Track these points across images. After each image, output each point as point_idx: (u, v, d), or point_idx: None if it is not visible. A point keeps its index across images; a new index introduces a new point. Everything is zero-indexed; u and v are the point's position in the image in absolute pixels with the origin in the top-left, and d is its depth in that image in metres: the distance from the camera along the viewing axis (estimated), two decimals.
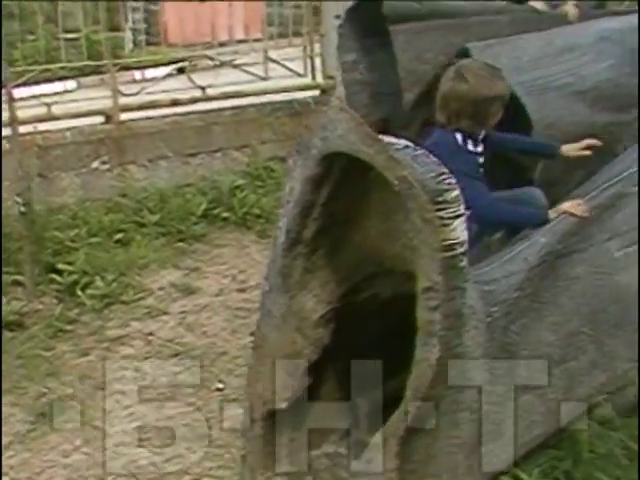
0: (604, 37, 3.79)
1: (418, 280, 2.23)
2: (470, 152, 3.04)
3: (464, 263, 2.21)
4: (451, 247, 2.16)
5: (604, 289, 2.81)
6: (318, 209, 2.52)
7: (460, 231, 2.17)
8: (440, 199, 2.15)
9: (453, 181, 2.19)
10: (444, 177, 2.18)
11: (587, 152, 3.16)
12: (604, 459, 2.78)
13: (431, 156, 2.25)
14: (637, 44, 3.69)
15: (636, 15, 3.97)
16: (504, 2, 4.75)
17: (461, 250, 2.18)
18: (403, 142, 2.31)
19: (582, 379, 2.73)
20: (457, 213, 2.17)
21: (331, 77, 5.70)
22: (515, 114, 3.27)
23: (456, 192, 2.18)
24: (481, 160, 3.11)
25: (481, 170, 3.08)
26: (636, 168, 2.98)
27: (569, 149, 3.18)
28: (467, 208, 2.85)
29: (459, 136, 3.02)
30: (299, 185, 2.52)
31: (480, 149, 3.10)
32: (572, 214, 2.79)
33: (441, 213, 2.14)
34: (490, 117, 3.04)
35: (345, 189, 2.49)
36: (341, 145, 2.35)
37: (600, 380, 2.77)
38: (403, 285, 2.42)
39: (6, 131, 4.21)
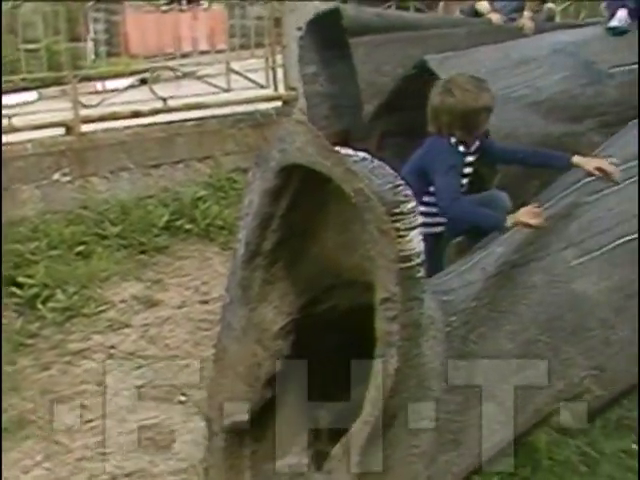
0: (558, 50, 3.88)
1: (376, 291, 2.25)
2: (460, 153, 3.13)
3: (421, 274, 2.23)
4: (408, 258, 2.18)
5: (561, 297, 2.86)
6: (277, 221, 2.54)
7: (416, 242, 2.19)
8: (396, 211, 2.17)
9: (409, 192, 2.22)
10: (400, 189, 2.21)
11: (596, 173, 3.03)
12: (562, 466, 2.82)
13: (387, 168, 2.27)
14: (591, 56, 3.78)
15: (588, 28, 4.07)
16: (461, 15, 4.83)
17: (418, 261, 2.20)
18: (361, 154, 2.33)
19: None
20: (413, 224, 2.19)
21: (293, 88, 5.70)
22: None
23: (412, 203, 2.20)
24: (468, 170, 3.19)
25: (465, 180, 3.16)
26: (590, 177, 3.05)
27: (580, 162, 3.09)
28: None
29: (453, 138, 3.12)
30: (258, 197, 2.53)
31: (471, 159, 3.19)
32: (527, 225, 2.82)
33: (397, 224, 2.16)
34: (480, 126, 3.15)
35: (303, 201, 2.51)
36: (299, 157, 2.37)
37: (557, 387, 2.81)
38: (362, 296, 2.43)
39: None
